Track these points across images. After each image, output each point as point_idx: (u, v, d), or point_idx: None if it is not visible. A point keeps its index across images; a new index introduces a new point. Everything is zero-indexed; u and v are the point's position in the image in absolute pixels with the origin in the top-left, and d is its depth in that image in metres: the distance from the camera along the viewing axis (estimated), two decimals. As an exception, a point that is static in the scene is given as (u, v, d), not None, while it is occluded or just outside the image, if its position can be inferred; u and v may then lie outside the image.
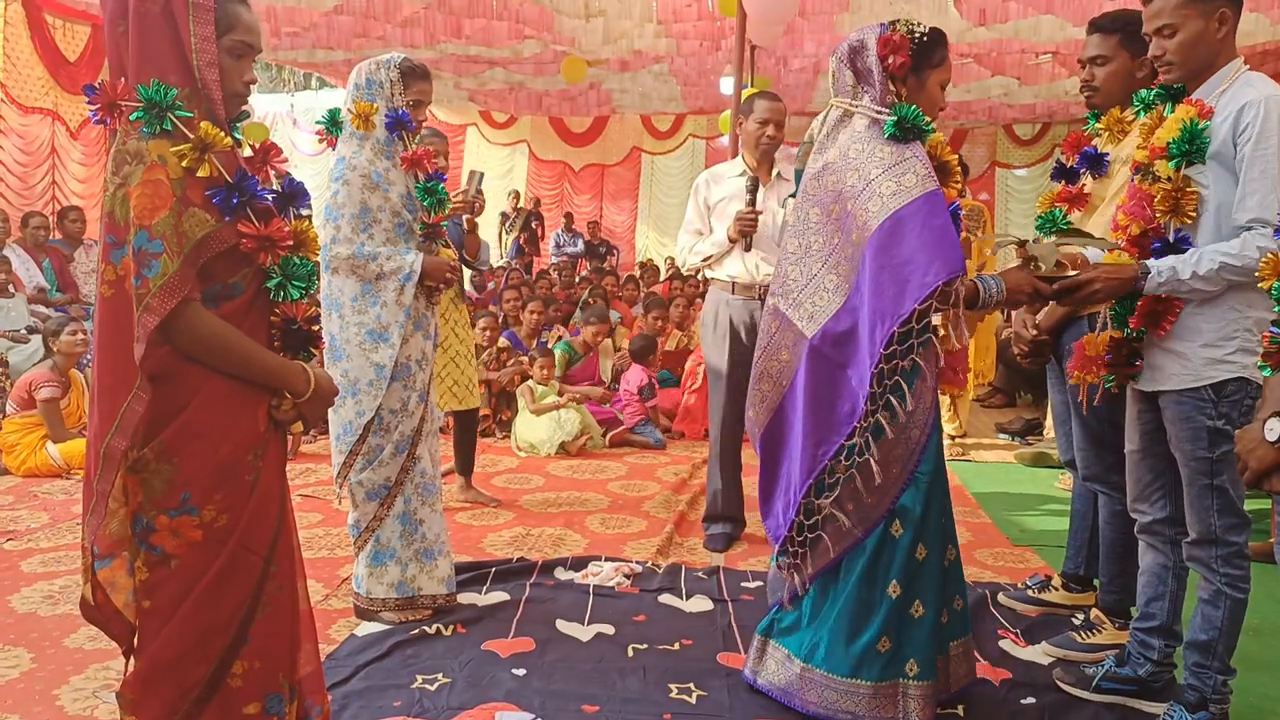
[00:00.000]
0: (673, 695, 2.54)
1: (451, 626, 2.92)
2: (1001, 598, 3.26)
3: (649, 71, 10.40)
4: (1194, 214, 2.20)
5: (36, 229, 6.85)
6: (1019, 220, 13.33)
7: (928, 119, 2.15)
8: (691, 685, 2.59)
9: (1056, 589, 3.21)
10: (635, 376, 5.88)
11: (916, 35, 2.16)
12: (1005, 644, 2.92)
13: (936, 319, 2.14)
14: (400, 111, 2.81)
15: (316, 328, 1.83)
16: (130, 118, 1.62)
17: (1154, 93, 2.37)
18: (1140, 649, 2.51)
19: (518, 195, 13.63)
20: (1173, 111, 2.27)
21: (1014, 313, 3.41)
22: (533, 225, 13.37)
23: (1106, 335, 2.39)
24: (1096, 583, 3.01)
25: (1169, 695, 2.44)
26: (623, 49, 9.00)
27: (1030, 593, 3.24)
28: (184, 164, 1.63)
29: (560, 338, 6.52)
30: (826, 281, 2.20)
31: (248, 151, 1.80)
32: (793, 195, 3.60)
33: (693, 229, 3.81)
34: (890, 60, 2.14)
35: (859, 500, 2.22)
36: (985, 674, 2.67)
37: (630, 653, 2.80)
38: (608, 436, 5.62)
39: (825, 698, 2.27)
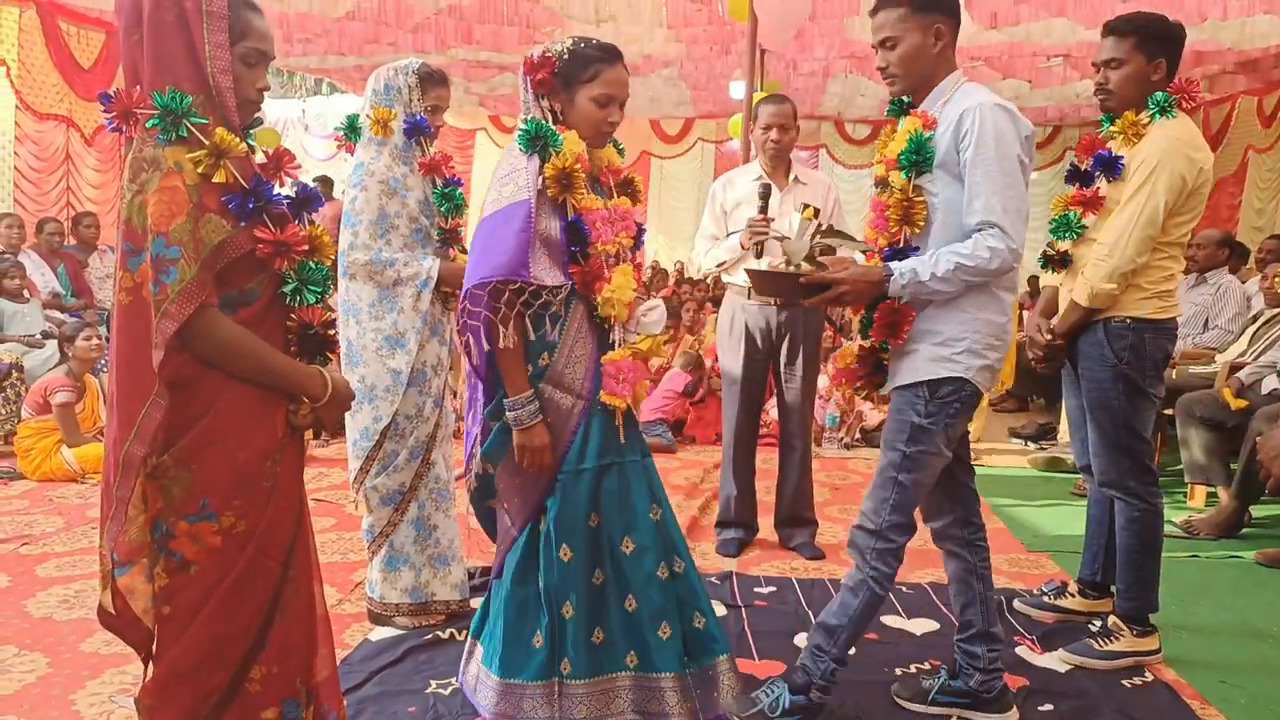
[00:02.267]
0: (687, 701, 2.53)
1: (465, 632, 2.91)
2: (1017, 604, 3.25)
3: (658, 76, 10.41)
4: (923, 223, 2.26)
5: (51, 234, 6.89)
6: (1031, 223, 13.26)
7: (564, 132, 2.18)
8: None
9: (1073, 595, 3.19)
10: (679, 377, 5.95)
11: (559, 53, 2.20)
12: (1021, 650, 2.90)
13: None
14: (418, 117, 2.82)
15: (333, 332, 1.83)
16: (146, 125, 1.63)
17: (889, 108, 2.44)
18: (967, 660, 2.47)
19: None
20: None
21: (1027, 317, 3.40)
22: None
23: (856, 345, 2.42)
24: (1114, 589, 2.99)
25: (1002, 705, 2.43)
26: (632, 53, 9.00)
27: (1046, 599, 3.22)
28: (200, 170, 1.63)
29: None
30: None
31: (261, 157, 1.81)
32: (807, 204, 3.63)
33: (708, 234, 3.81)
34: (533, 78, 2.20)
35: (516, 494, 2.25)
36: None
37: (644, 658, 2.78)
38: None
39: (489, 699, 2.25)
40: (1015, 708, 2.46)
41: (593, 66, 2.20)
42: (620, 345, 2.25)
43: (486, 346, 2.13)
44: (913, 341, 2.29)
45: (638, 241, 2.34)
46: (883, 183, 2.35)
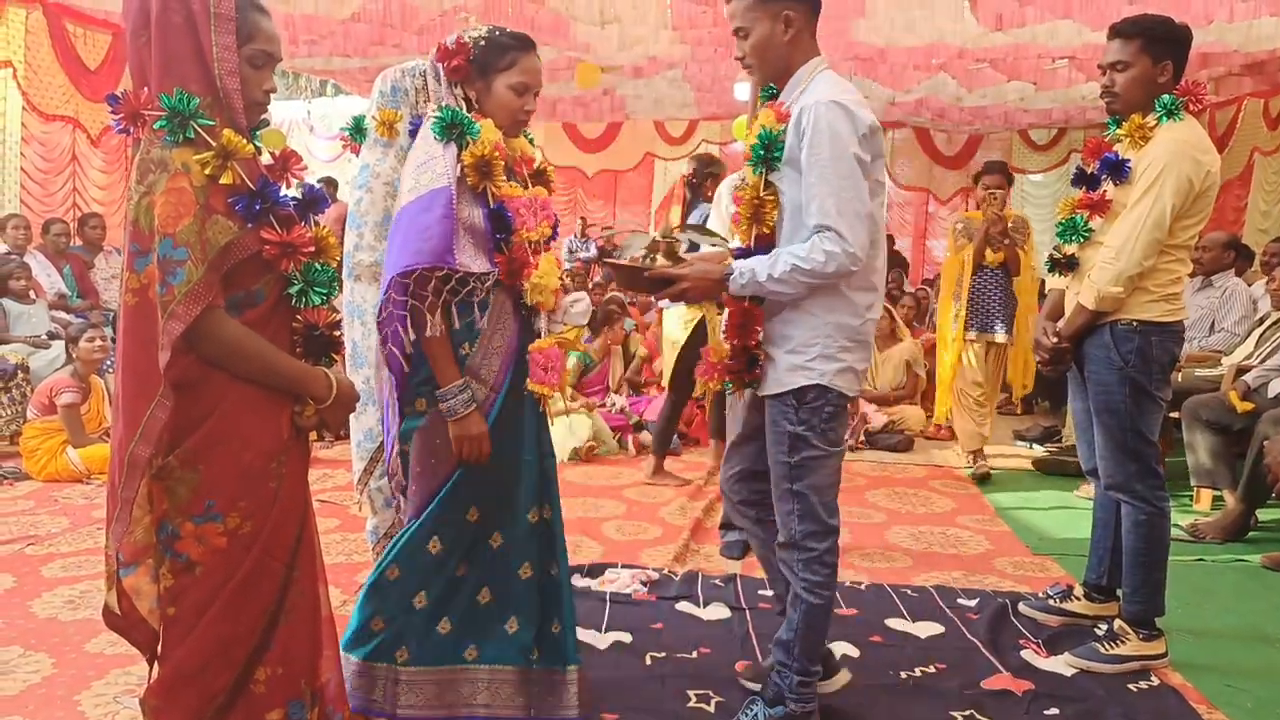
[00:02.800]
0: (691, 703, 2.53)
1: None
2: (1022, 607, 3.24)
3: (663, 77, 10.40)
4: (773, 221, 2.23)
5: (57, 235, 6.91)
6: (1035, 225, 13.24)
7: (480, 120, 2.18)
8: (709, 693, 2.58)
9: (1078, 599, 3.18)
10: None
11: (475, 41, 2.20)
12: (1027, 654, 2.90)
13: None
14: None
15: (338, 334, 1.84)
16: (153, 126, 1.64)
17: (761, 93, 2.40)
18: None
19: None
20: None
21: (1034, 321, 3.39)
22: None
23: (729, 342, 2.38)
24: (1120, 593, 2.98)
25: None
26: (637, 55, 9.01)
27: (1052, 602, 3.21)
28: (207, 172, 1.64)
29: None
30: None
31: (268, 159, 1.81)
32: None
33: None
34: (447, 65, 2.20)
35: (418, 484, 2.23)
36: (1007, 685, 2.66)
37: (648, 660, 2.79)
38: (631, 441, 5.61)
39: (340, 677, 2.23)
40: (741, 712, 2.41)
41: (509, 54, 2.21)
42: (545, 334, 2.24)
43: (413, 335, 2.12)
44: (771, 346, 2.27)
45: (554, 233, 2.33)
46: (742, 180, 2.32)
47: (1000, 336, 5.17)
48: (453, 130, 2.14)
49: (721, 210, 3.80)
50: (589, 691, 2.35)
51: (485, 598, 2.27)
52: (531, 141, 2.39)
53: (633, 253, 2.31)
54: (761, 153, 2.20)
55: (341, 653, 2.16)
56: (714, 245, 2.45)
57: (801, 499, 2.26)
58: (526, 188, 2.27)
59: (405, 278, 2.08)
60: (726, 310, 2.36)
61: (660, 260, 2.28)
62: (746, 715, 2.36)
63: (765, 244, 2.24)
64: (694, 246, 2.52)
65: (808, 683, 2.33)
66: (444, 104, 2.20)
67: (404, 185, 2.15)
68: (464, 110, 2.19)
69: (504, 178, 2.18)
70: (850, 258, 2.10)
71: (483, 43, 2.20)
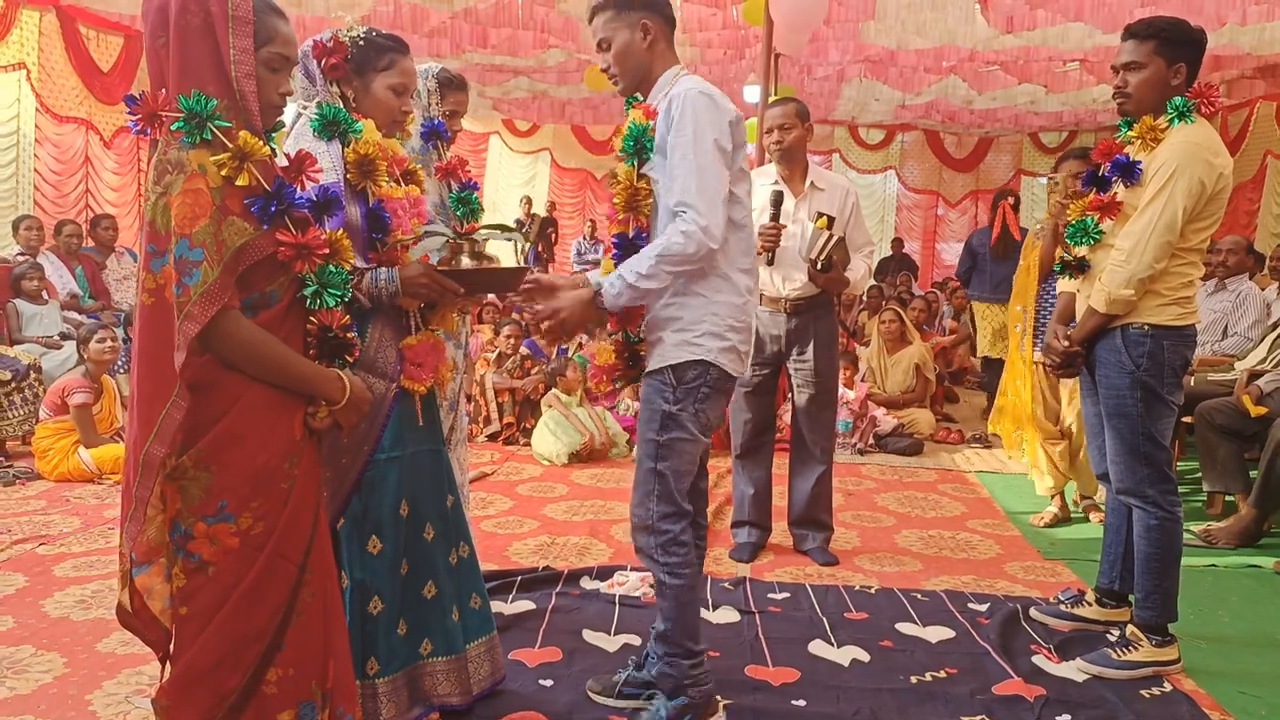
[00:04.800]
0: (701, 707, 2.52)
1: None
2: (1034, 612, 3.22)
3: (673, 80, 10.42)
4: (649, 211, 2.31)
5: (70, 236, 6.95)
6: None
7: (362, 119, 2.20)
8: (719, 697, 2.57)
9: (1090, 604, 3.16)
10: None
11: (354, 40, 2.21)
12: (1038, 659, 2.88)
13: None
14: (436, 121, 2.84)
15: (351, 335, 1.84)
16: (171, 128, 1.65)
17: (626, 103, 2.45)
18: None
19: (530, 202, 13.69)
20: None
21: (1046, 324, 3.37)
22: (548, 232, 13.40)
23: (610, 342, 2.42)
24: (1132, 598, 2.97)
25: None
26: (647, 58, 9.02)
27: (1063, 607, 3.20)
28: (223, 173, 1.65)
29: (580, 346, 6.53)
30: None
31: (283, 161, 1.82)
32: (821, 213, 3.62)
33: None
34: (325, 63, 2.21)
35: (327, 487, 2.18)
36: (1018, 690, 2.64)
37: (658, 663, 2.78)
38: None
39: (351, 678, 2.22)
40: (721, 707, 2.45)
41: (388, 55, 2.25)
42: (417, 330, 2.26)
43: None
44: (657, 330, 2.31)
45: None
46: (613, 175, 2.39)
47: None
48: (335, 128, 2.17)
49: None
50: (500, 653, 2.51)
51: (430, 591, 2.31)
52: (401, 142, 2.42)
53: (432, 254, 2.29)
54: (632, 145, 2.29)
55: None
56: (510, 239, 2.47)
57: (662, 481, 2.29)
58: (400, 186, 2.29)
59: None
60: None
61: (465, 261, 2.28)
62: (649, 712, 2.37)
63: (643, 232, 2.33)
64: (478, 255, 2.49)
65: (698, 663, 2.35)
66: (320, 100, 2.22)
67: None
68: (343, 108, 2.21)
69: (386, 178, 2.20)
70: (707, 234, 2.16)
71: (361, 42, 2.23)
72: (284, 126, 1.89)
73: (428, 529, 2.29)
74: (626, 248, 2.30)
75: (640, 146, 2.28)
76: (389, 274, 2.14)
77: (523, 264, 2.43)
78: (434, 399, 2.33)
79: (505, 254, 2.61)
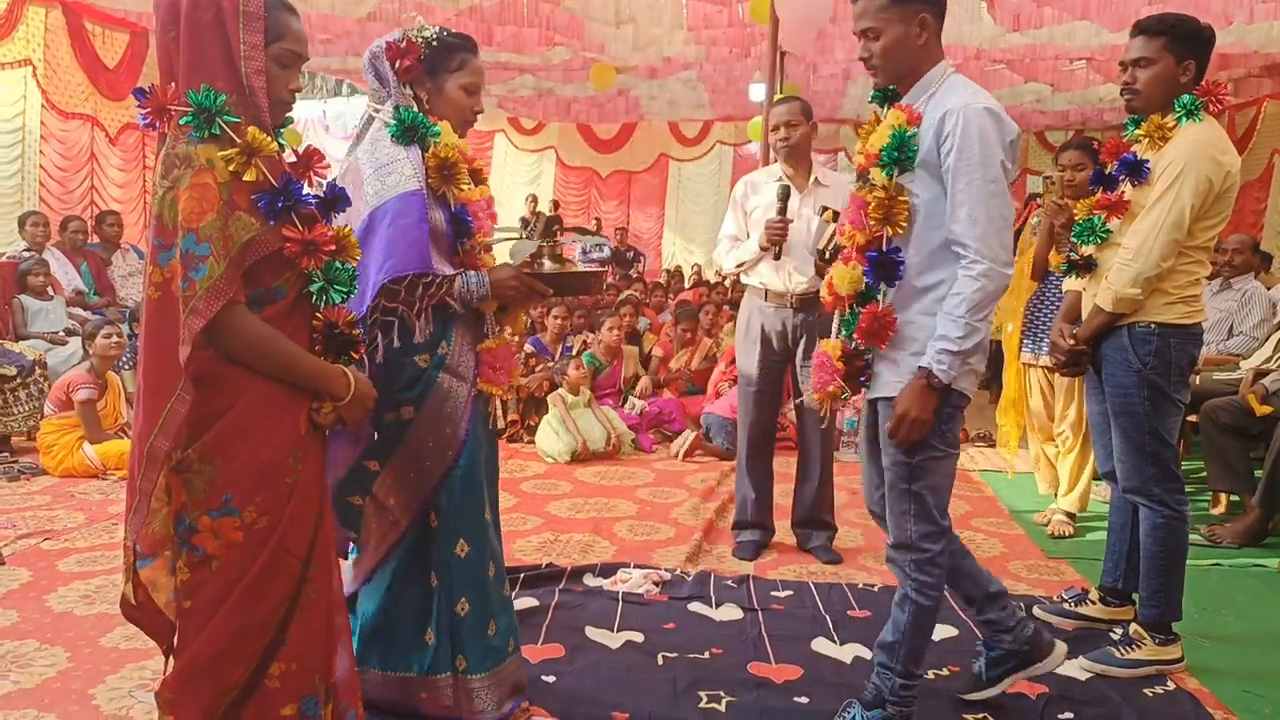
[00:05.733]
0: (702, 704, 2.53)
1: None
2: (1037, 611, 3.22)
3: (677, 78, 10.41)
4: (905, 223, 2.18)
5: (75, 233, 6.96)
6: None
7: (437, 122, 2.18)
8: (721, 694, 2.57)
9: (1094, 603, 3.16)
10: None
11: (427, 40, 2.18)
12: (1041, 658, 2.87)
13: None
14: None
15: (356, 332, 1.85)
16: (179, 122, 1.65)
17: (872, 94, 2.36)
18: (989, 629, 2.48)
19: (535, 200, 13.68)
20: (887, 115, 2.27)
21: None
22: (554, 230, 13.38)
23: (840, 345, 2.34)
24: (1136, 597, 2.96)
25: (1045, 647, 2.47)
26: (652, 56, 9.01)
27: (1067, 606, 3.20)
28: (231, 168, 1.65)
29: (585, 344, 6.52)
30: None
31: (291, 156, 1.82)
32: (826, 207, 3.61)
33: (730, 235, 3.82)
34: (399, 65, 2.18)
35: (406, 490, 2.21)
36: (1021, 689, 2.64)
37: (660, 661, 2.78)
38: (679, 453, 5.55)
39: (372, 691, 2.25)
40: (1056, 642, 2.50)
41: (459, 55, 2.22)
42: (493, 334, 2.25)
43: (398, 342, 2.12)
44: (894, 349, 2.23)
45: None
46: (863, 176, 2.28)
47: (1045, 359, 4.09)
48: (413, 132, 2.15)
49: (737, 210, 3.79)
50: None
51: (507, 589, 2.33)
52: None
53: (517, 259, 2.32)
54: (895, 154, 2.15)
55: (389, 671, 2.21)
56: (595, 242, 2.47)
57: (918, 500, 2.24)
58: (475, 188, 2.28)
59: (397, 284, 2.09)
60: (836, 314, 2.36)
61: (547, 264, 2.27)
62: (844, 718, 2.35)
63: (891, 246, 2.20)
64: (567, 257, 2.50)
65: (910, 686, 2.31)
66: (397, 104, 2.19)
67: (367, 188, 2.13)
68: (417, 110, 2.19)
69: (466, 181, 2.19)
70: (1002, 268, 2.10)
71: (435, 43, 2.21)
72: (292, 122, 1.89)
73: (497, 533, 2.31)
74: (883, 263, 2.20)
75: (903, 156, 2.14)
76: (479, 277, 2.16)
77: (598, 267, 2.43)
78: (488, 403, 2.32)
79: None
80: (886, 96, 2.30)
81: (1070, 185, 3.83)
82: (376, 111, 2.23)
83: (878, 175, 2.19)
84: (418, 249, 2.06)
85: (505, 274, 2.18)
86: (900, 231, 2.19)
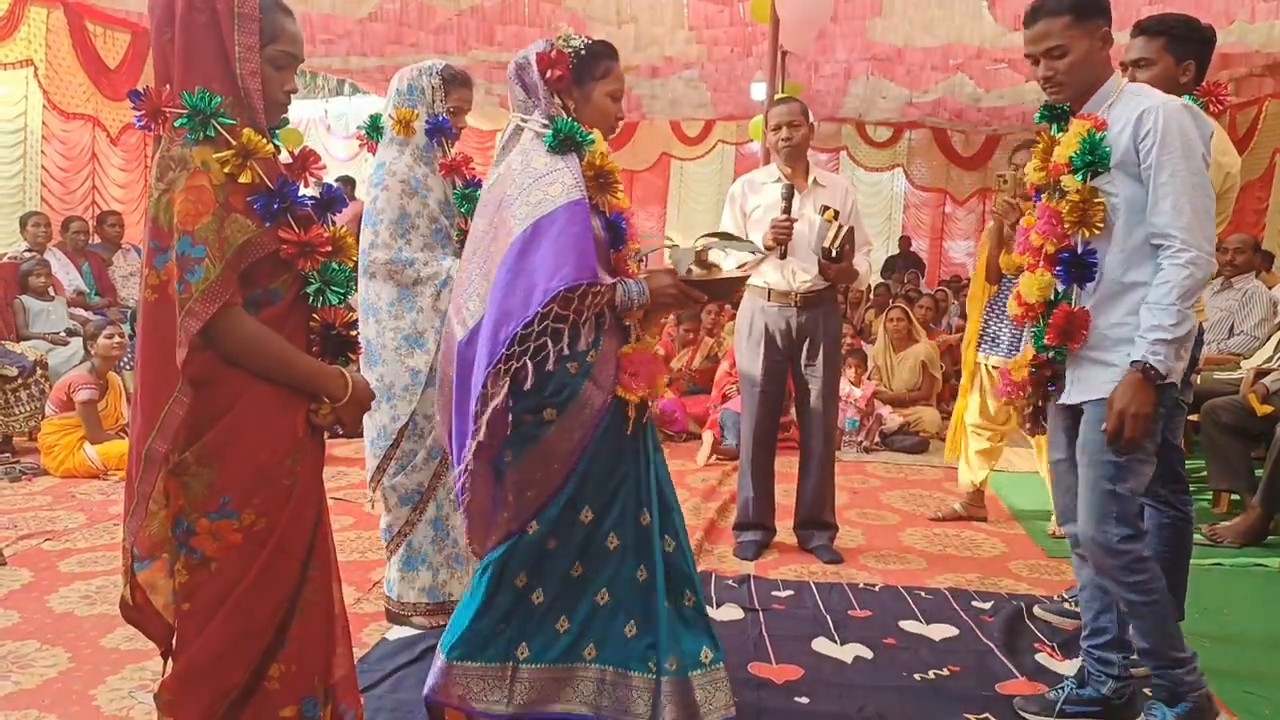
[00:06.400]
0: (704, 705, 2.52)
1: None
2: (1037, 610, 3.22)
3: (679, 78, 10.40)
4: (1101, 224, 2.23)
5: (76, 233, 6.97)
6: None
7: (590, 130, 2.18)
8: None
9: (1094, 602, 3.15)
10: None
11: (576, 50, 2.19)
12: (1041, 657, 2.88)
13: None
14: (441, 118, 2.85)
15: (354, 333, 1.84)
16: (175, 124, 1.65)
17: (1039, 115, 2.41)
18: (1100, 666, 2.46)
19: None
20: (1059, 131, 2.32)
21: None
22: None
23: (1028, 356, 2.36)
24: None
25: (1134, 710, 2.42)
26: (653, 55, 9.00)
27: (1067, 605, 3.19)
28: (226, 170, 1.65)
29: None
30: (480, 288, 2.21)
31: (287, 158, 1.82)
32: (826, 206, 3.62)
33: None
34: (549, 74, 2.18)
35: (530, 488, 2.18)
36: (1022, 688, 2.64)
37: (661, 661, 2.78)
38: (703, 461, 5.49)
39: (435, 680, 2.21)
40: (1144, 715, 2.42)
41: (604, 62, 2.23)
42: (635, 340, 2.24)
43: (567, 350, 2.11)
44: (1099, 350, 2.25)
45: None
46: (1048, 188, 2.32)
47: (995, 359, 4.11)
48: (570, 142, 2.15)
49: (735, 211, 3.78)
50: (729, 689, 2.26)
51: (603, 598, 2.24)
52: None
53: (683, 267, 2.29)
54: (1089, 158, 2.21)
55: (455, 662, 2.18)
56: (742, 250, 2.47)
57: (1122, 502, 2.23)
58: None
59: (572, 292, 2.07)
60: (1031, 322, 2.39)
61: (695, 271, 2.26)
62: (1149, 718, 2.33)
63: (1087, 247, 2.25)
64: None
65: (1191, 669, 2.31)
66: (553, 115, 2.18)
67: (529, 197, 2.11)
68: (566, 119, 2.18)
69: (620, 188, 2.20)
70: (1208, 257, 2.15)
71: (583, 51, 2.20)
72: (288, 123, 1.89)
73: (612, 537, 2.22)
74: (1076, 264, 2.24)
75: (1096, 159, 2.20)
76: (639, 285, 2.17)
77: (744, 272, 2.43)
78: (644, 409, 2.25)
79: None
80: (1054, 114, 2.35)
81: (1024, 185, 3.69)
82: (524, 121, 2.23)
83: (1070, 181, 2.24)
84: (588, 259, 2.06)
85: (664, 281, 2.19)
86: (1097, 233, 2.24)
